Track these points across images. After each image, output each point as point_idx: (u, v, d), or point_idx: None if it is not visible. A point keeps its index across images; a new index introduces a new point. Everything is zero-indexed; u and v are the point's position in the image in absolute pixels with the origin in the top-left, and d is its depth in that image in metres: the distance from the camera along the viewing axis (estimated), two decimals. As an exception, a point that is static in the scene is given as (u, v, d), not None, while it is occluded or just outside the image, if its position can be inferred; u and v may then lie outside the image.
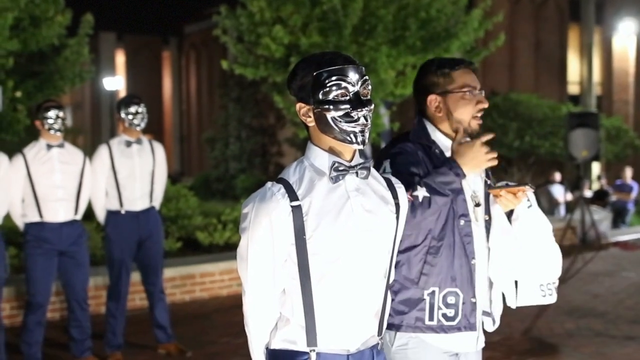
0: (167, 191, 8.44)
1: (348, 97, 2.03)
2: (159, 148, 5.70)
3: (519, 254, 2.52)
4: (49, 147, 5.11)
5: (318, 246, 2.01)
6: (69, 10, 9.57)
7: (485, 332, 2.63)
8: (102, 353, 5.54)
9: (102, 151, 5.44)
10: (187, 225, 9.22)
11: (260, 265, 2.04)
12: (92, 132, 29.41)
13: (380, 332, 2.16)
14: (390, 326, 2.44)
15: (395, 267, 2.36)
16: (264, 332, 2.11)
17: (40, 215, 5.09)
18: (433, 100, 2.55)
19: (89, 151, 5.88)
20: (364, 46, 9.88)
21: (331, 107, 2.02)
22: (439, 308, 2.45)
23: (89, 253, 5.49)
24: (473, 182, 2.54)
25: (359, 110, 2.02)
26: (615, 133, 18.62)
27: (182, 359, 5.64)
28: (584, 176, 11.82)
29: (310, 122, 2.08)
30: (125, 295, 5.60)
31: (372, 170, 2.15)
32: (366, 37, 9.90)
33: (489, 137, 2.52)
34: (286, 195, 2.01)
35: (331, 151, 2.07)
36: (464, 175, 2.44)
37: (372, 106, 2.06)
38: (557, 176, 15.87)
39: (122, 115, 5.45)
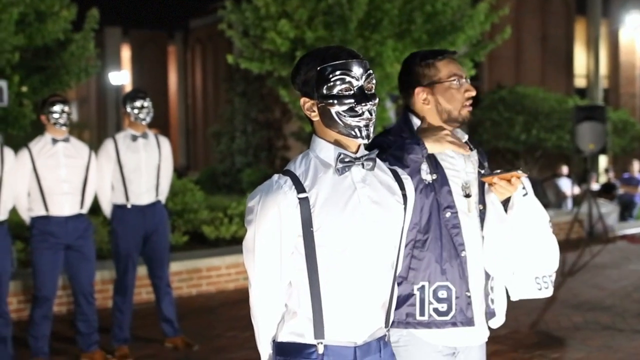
0: (173, 185, 8.45)
1: (352, 92, 2.02)
2: (164, 142, 5.71)
3: (513, 243, 2.46)
4: (55, 141, 5.12)
5: (325, 238, 2.00)
6: (74, 5, 9.58)
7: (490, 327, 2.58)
8: (108, 347, 5.56)
9: (108, 145, 5.45)
10: (193, 220, 9.23)
11: (268, 258, 2.03)
12: (98, 126, 29.47)
13: (387, 324, 2.16)
14: None
15: None
16: (271, 324, 2.11)
17: (46, 209, 5.10)
18: (420, 92, 2.50)
19: (95, 146, 5.89)
20: (369, 40, 9.85)
21: (335, 101, 2.02)
22: (430, 303, 2.40)
23: (96, 247, 5.51)
24: (465, 173, 2.49)
25: (363, 104, 2.02)
26: (622, 126, 18.56)
27: (189, 353, 5.65)
28: (590, 169, 11.80)
29: (315, 116, 2.08)
30: (132, 289, 5.61)
31: (378, 161, 2.14)
32: (372, 30, 9.87)
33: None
34: (293, 187, 2.00)
35: (337, 144, 2.06)
36: (425, 147, 2.38)
37: (377, 100, 2.06)
38: (564, 169, 15.82)
39: (128, 109, 5.46)
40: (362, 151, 2.09)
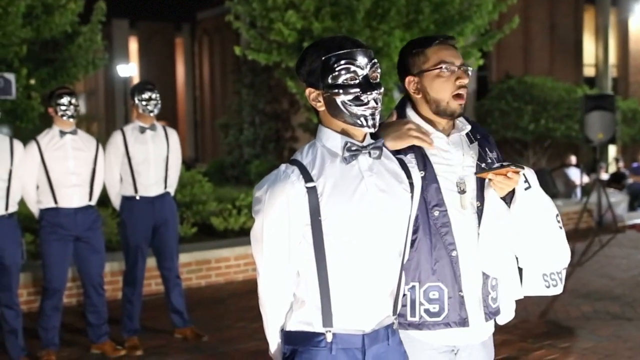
0: (182, 177, 8.47)
1: (357, 81, 2.02)
2: (173, 134, 5.71)
3: (514, 240, 2.34)
4: (62, 133, 5.13)
5: (333, 227, 2.00)
6: (81, -2, 9.58)
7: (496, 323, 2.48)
8: (119, 338, 5.58)
9: (117, 137, 5.46)
10: (202, 211, 9.25)
11: (276, 247, 2.04)
12: (106, 119, 29.49)
13: (395, 312, 2.16)
14: None
15: None
16: (280, 314, 2.11)
17: (55, 201, 5.12)
18: (411, 82, 2.40)
19: (103, 138, 5.92)
20: (377, 30, 9.82)
21: (341, 91, 2.02)
22: (421, 304, 2.31)
23: (105, 239, 5.53)
24: (462, 168, 2.37)
25: (368, 93, 2.02)
26: (631, 115, 18.49)
27: (198, 344, 5.67)
28: (600, 159, 11.75)
29: (321, 106, 2.08)
30: (142, 280, 5.63)
31: (385, 150, 2.14)
32: (379, 21, 9.84)
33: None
34: (301, 176, 2.00)
35: (343, 133, 2.06)
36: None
37: (382, 89, 2.06)
38: (573, 159, 15.77)
39: (136, 101, 5.47)
40: (369, 140, 2.09)
